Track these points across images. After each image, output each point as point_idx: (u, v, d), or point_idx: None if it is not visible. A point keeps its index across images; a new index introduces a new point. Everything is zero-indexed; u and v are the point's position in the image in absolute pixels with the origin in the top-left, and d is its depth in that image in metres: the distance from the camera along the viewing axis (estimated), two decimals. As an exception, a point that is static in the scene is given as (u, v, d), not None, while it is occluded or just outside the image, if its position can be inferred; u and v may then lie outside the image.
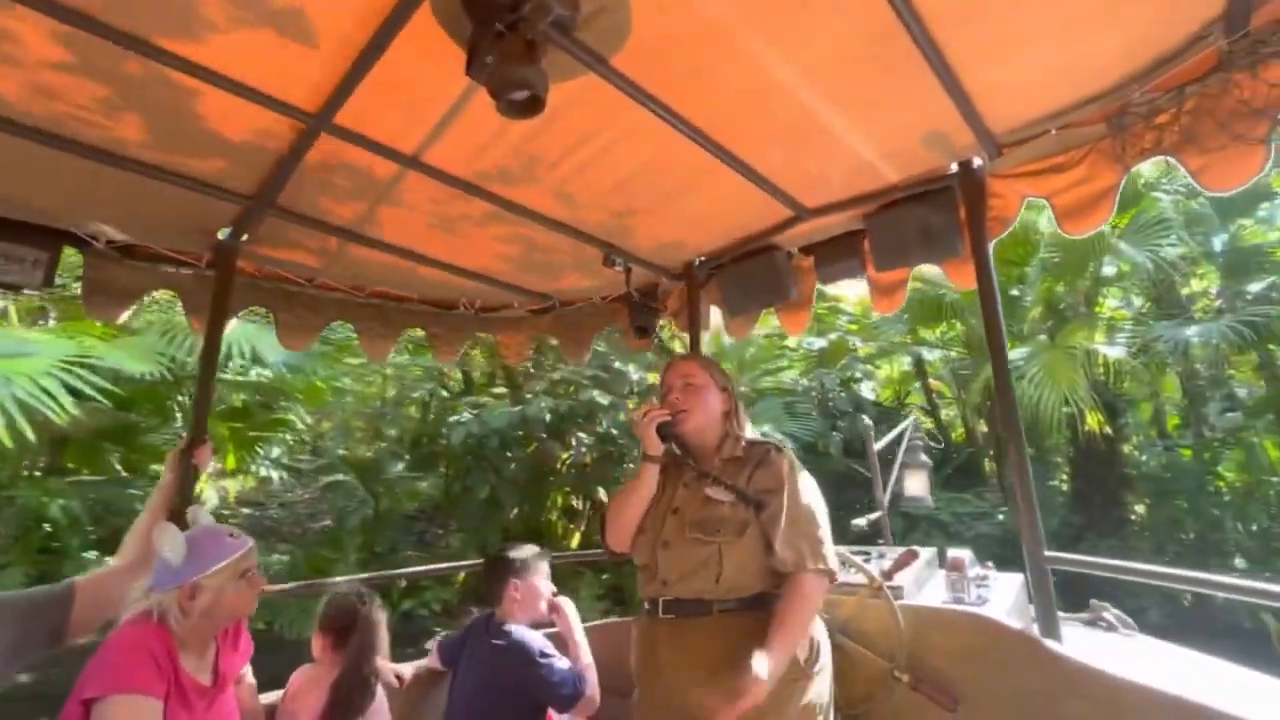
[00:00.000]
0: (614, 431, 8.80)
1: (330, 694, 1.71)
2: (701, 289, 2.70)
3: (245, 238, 2.20)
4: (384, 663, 2.10)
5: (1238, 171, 1.45)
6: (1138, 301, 9.32)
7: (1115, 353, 7.86)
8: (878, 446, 3.30)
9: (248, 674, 1.77)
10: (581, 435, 8.86)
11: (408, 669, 2.12)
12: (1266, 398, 9.15)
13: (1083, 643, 1.71)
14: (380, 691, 1.81)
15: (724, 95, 1.64)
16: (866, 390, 10.96)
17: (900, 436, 3.41)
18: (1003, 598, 2.09)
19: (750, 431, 1.75)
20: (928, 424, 11.80)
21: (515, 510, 9.11)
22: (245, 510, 10.20)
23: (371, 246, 2.31)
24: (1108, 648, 1.90)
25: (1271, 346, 8.32)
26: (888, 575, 1.98)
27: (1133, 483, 9.21)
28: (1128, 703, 1.42)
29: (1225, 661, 1.74)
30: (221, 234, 2.20)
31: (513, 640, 1.87)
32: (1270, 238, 8.92)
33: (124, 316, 2.34)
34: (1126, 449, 9.64)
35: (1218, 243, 8.91)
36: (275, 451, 8.52)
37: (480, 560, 2.19)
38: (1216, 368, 9.70)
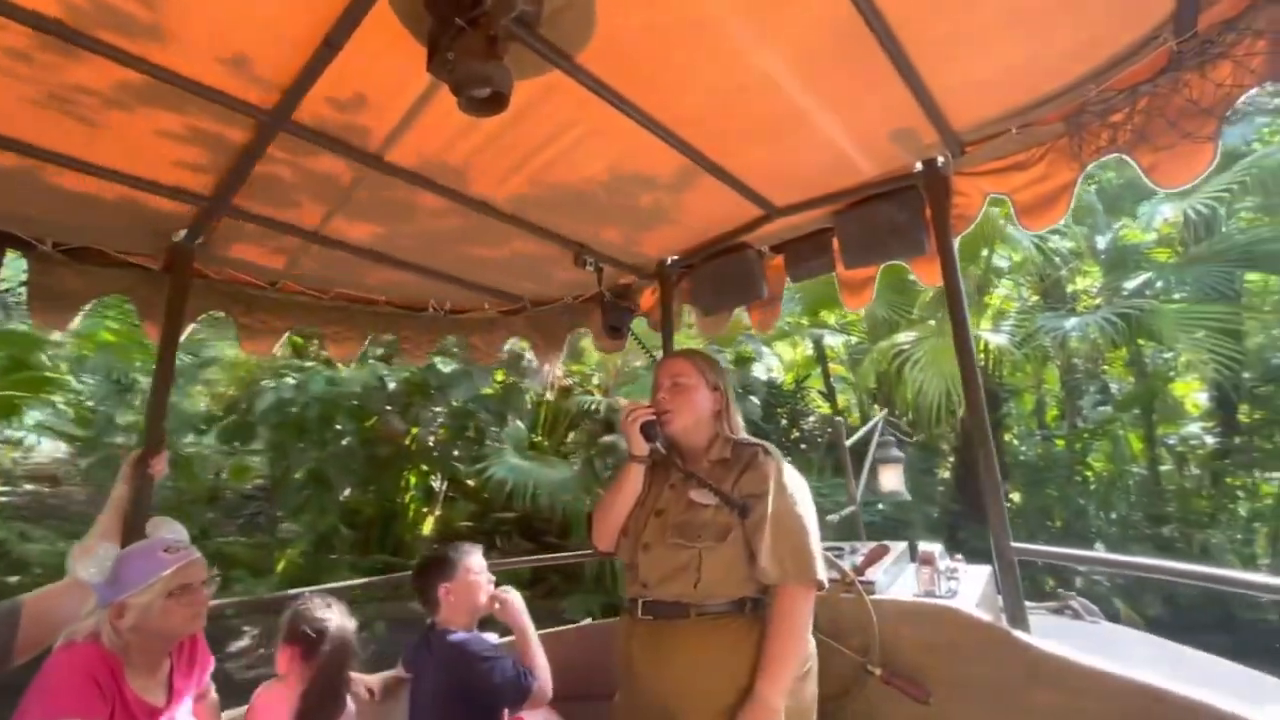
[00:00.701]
0: (471, 406, 8.10)
1: (300, 703, 1.65)
2: (674, 288, 2.70)
3: (201, 240, 2.13)
4: (354, 674, 2.05)
5: (1186, 168, 1.50)
6: (1027, 293, 9.58)
7: (998, 339, 7.92)
8: (849, 443, 3.34)
9: (210, 689, 1.71)
10: (436, 409, 8.18)
11: (377, 680, 2.08)
12: (1134, 393, 9.66)
13: (1050, 632, 1.75)
14: (351, 705, 1.77)
15: (692, 93, 1.64)
16: (760, 371, 10.98)
17: (870, 433, 3.46)
18: (972, 590, 2.12)
19: (742, 431, 1.71)
20: (824, 408, 11.96)
21: (351, 490, 8.21)
22: (29, 487, 9.00)
23: (335, 248, 2.25)
24: (1074, 635, 1.94)
25: (1141, 342, 8.65)
26: (860, 570, 1.99)
27: (1010, 471, 9.42)
28: (1095, 689, 1.45)
29: (1184, 646, 1.80)
30: (177, 236, 2.13)
31: (452, 647, 1.82)
32: (1147, 238, 9.28)
33: (74, 323, 2.25)
34: (1007, 438, 9.95)
35: (1102, 241, 9.23)
36: (38, 415, 7.36)
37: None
38: (1093, 362, 10.13)
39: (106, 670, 1.30)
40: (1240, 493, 9.09)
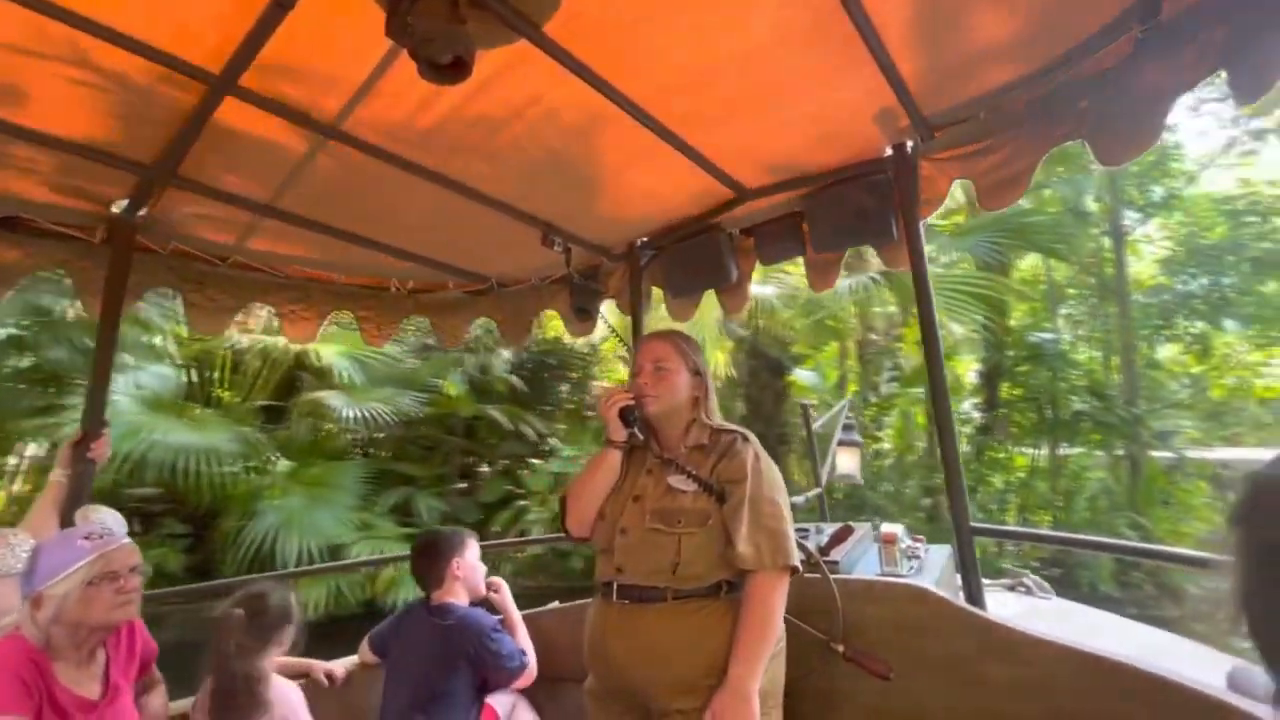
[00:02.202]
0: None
1: (210, 701, 1.56)
2: (643, 270, 2.67)
3: (144, 211, 2.01)
4: (310, 662, 2.01)
5: (1130, 148, 1.54)
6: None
7: (765, 291, 7.98)
8: (816, 426, 3.38)
9: (158, 679, 1.65)
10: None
11: (339, 666, 2.04)
12: (918, 368, 10.02)
13: (1005, 606, 1.80)
14: (296, 694, 1.71)
15: (662, 70, 1.60)
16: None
17: (836, 415, 3.50)
18: (933, 568, 2.17)
19: (718, 416, 1.70)
20: (622, 376, 11.83)
21: None
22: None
23: (289, 222, 2.16)
24: (1028, 611, 2.01)
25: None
26: (825, 551, 2.02)
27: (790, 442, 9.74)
28: (1045, 660, 1.50)
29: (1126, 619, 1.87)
30: (117, 207, 2.01)
31: (462, 617, 1.92)
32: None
33: (5, 298, 2.11)
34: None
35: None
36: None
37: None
38: (887, 336, 10.64)
39: (31, 665, 1.24)
40: (997, 466, 9.85)
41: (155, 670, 1.63)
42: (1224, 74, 1.32)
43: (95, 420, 1.87)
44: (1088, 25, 1.47)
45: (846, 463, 3.20)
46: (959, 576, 1.95)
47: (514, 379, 10.13)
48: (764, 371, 10.11)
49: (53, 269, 2.17)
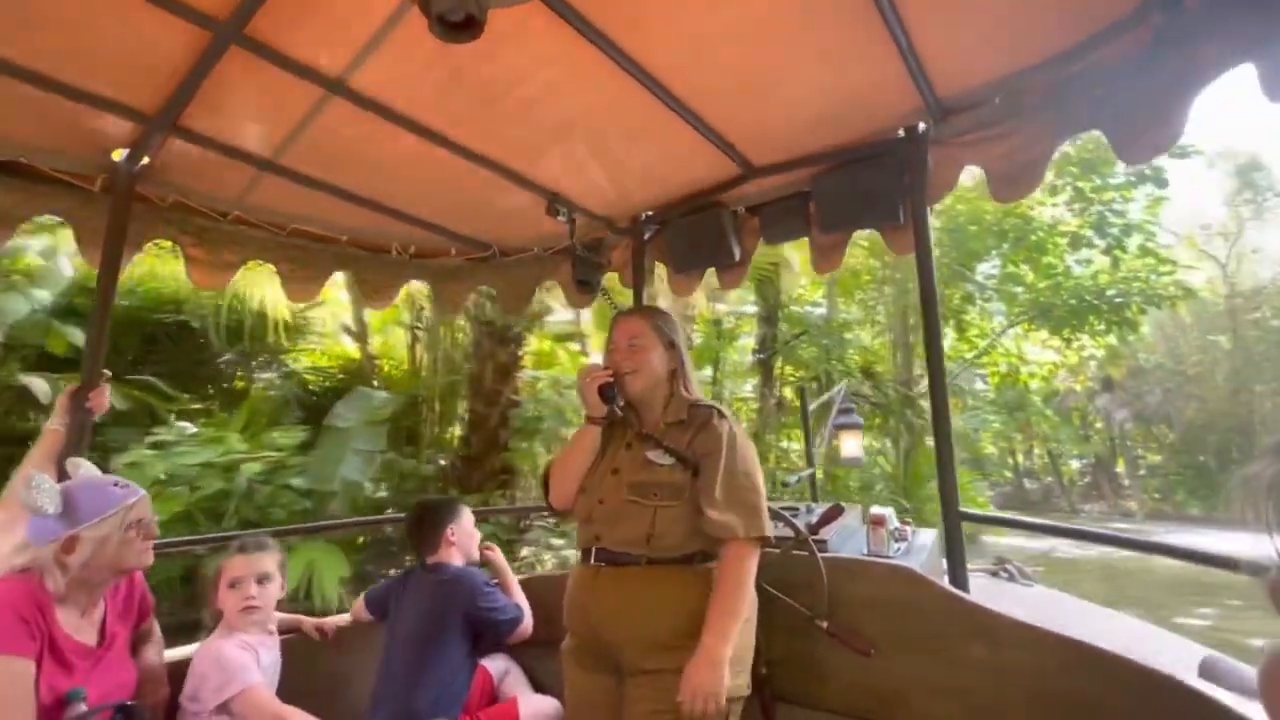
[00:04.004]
0: None
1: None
2: (647, 244, 2.66)
3: (145, 161, 1.98)
4: (300, 617, 2.05)
5: (1151, 146, 1.50)
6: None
7: None
8: (812, 407, 3.40)
9: (154, 630, 1.67)
10: None
11: (330, 623, 2.08)
12: (705, 347, 10.18)
13: (988, 592, 1.84)
14: (274, 653, 1.75)
15: (676, 38, 1.57)
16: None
17: (831, 400, 3.53)
18: (919, 551, 2.21)
19: (696, 391, 1.72)
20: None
21: None
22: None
23: (291, 179, 2.13)
24: (1009, 596, 2.04)
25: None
26: (814, 530, 2.05)
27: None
28: (1024, 643, 1.53)
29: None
30: (117, 155, 1.98)
31: (457, 573, 1.98)
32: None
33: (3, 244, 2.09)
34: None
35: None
36: None
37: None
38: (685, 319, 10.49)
39: (34, 607, 1.24)
40: (773, 448, 9.94)
41: (153, 621, 1.66)
42: (1253, 68, 1.27)
43: (94, 370, 1.87)
44: (1108, 12, 1.45)
45: (850, 445, 3.22)
46: (945, 560, 1.98)
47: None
48: (487, 340, 8.53)
49: (52, 216, 2.15)
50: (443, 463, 8.82)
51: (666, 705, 1.36)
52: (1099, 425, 24.03)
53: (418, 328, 10.07)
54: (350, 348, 10.31)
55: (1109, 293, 10.99)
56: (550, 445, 8.10)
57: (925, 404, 9.76)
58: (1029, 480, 26.21)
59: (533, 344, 9.23)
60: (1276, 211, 22.63)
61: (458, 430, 9.40)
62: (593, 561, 1.57)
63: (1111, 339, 14.63)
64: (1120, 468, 23.82)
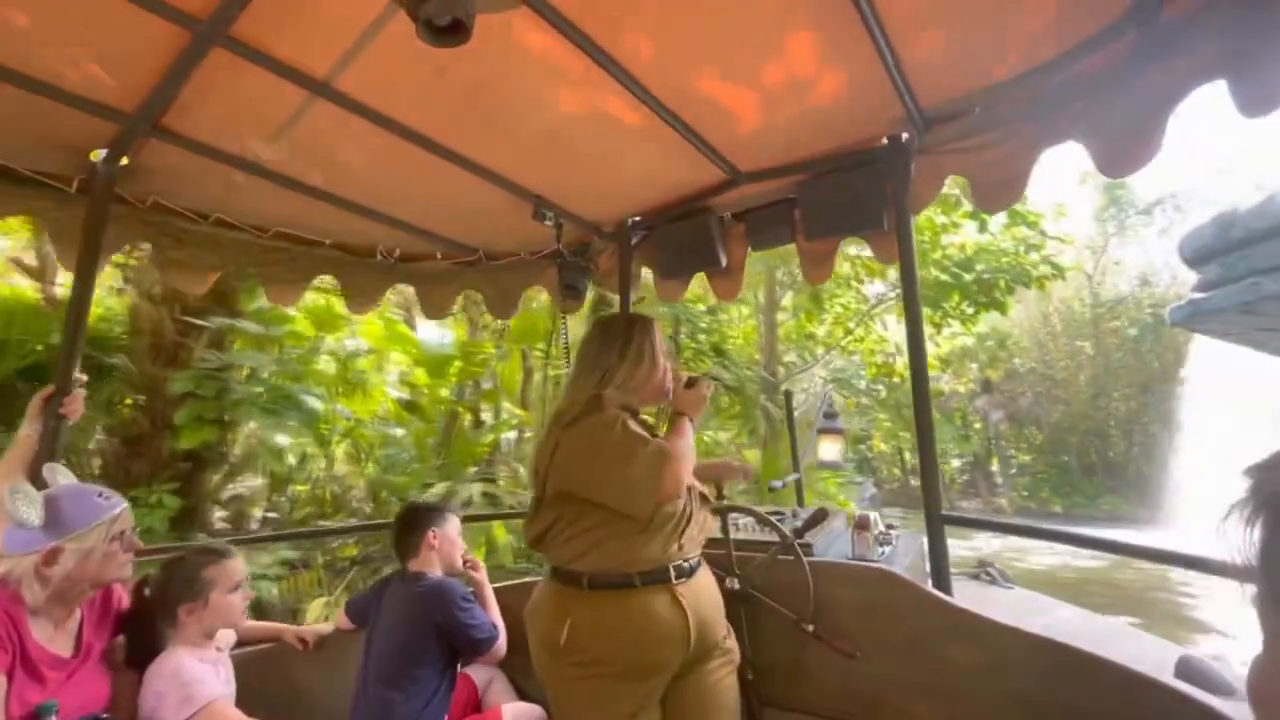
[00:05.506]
0: None
1: None
2: (634, 250, 2.66)
3: (124, 162, 1.95)
4: (281, 626, 2.02)
5: (1133, 159, 1.52)
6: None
7: None
8: (797, 413, 3.42)
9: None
10: None
11: (311, 632, 2.05)
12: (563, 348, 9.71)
13: (970, 595, 1.86)
14: (229, 669, 1.64)
15: (661, 42, 1.58)
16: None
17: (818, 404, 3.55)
18: (903, 555, 2.23)
19: None
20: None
21: None
22: None
23: (273, 181, 2.10)
24: (991, 599, 2.07)
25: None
26: (799, 533, 2.06)
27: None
28: (1006, 645, 1.55)
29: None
30: (95, 156, 1.94)
31: (434, 585, 1.94)
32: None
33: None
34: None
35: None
36: None
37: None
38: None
39: (7, 620, 1.21)
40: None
41: None
42: (1225, 83, 1.30)
43: (66, 375, 1.83)
44: (1088, 25, 1.48)
45: (829, 450, 3.25)
46: (928, 563, 2.00)
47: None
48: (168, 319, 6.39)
49: (28, 216, 2.10)
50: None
51: (733, 662, 1.63)
52: (978, 425, 24.63)
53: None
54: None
55: (978, 266, 9.63)
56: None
57: (792, 389, 8.86)
58: (914, 478, 26.61)
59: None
60: (1138, 228, 24.06)
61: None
62: (674, 579, 1.49)
63: (982, 327, 14.67)
64: (995, 466, 24.43)
